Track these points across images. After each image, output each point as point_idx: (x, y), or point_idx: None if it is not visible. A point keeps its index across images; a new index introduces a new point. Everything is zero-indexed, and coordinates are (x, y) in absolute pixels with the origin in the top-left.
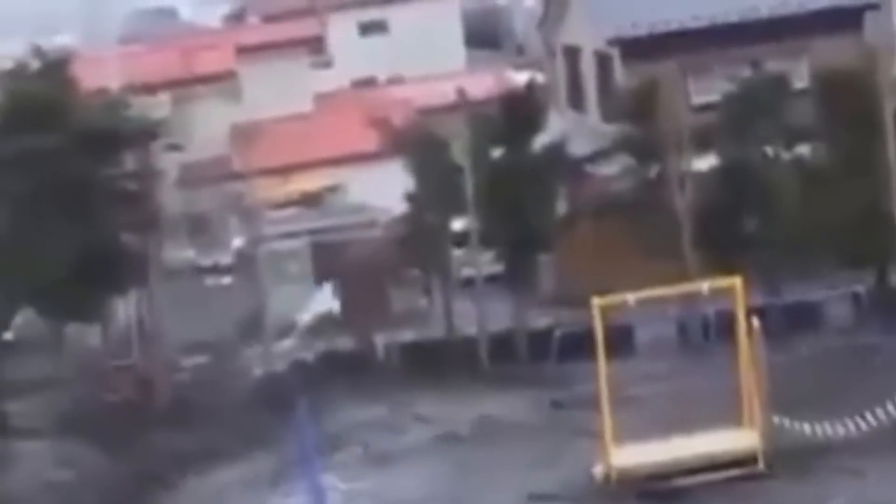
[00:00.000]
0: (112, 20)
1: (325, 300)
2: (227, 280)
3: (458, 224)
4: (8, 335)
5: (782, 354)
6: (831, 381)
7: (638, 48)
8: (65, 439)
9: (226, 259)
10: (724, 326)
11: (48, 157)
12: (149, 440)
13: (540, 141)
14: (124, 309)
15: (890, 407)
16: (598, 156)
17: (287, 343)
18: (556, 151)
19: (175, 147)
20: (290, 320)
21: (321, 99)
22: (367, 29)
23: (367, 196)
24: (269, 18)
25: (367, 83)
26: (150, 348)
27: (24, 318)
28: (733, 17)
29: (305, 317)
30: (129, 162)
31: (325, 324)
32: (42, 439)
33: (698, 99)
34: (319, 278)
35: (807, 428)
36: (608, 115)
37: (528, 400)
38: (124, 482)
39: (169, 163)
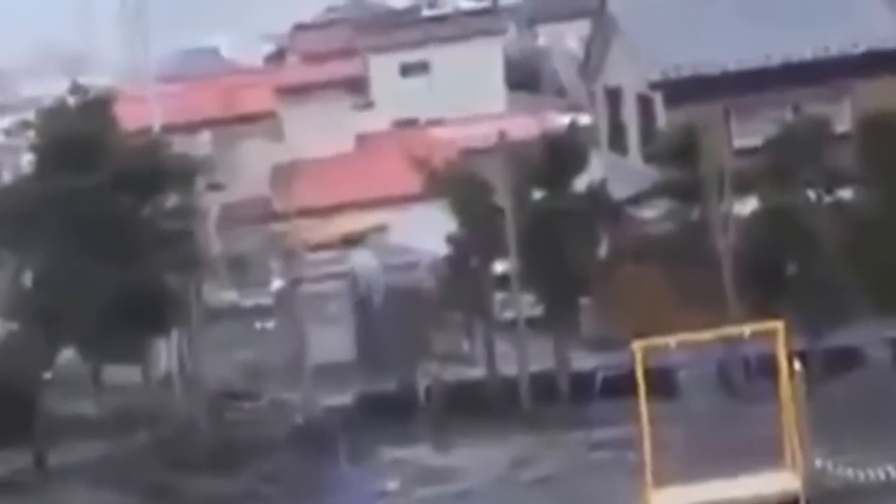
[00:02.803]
0: (153, 59)
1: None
2: (269, 322)
3: (499, 266)
4: (48, 375)
5: (823, 399)
6: (873, 426)
7: (680, 91)
8: (104, 481)
9: (267, 300)
10: (766, 370)
11: (89, 197)
12: (189, 484)
13: (581, 183)
14: (166, 350)
15: None
16: (639, 198)
17: None
18: (598, 194)
19: (216, 187)
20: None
21: (362, 140)
22: (408, 70)
23: (409, 237)
24: (311, 58)
25: (409, 124)
26: (191, 390)
27: (65, 359)
28: (776, 61)
29: None
30: (171, 201)
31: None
32: (81, 481)
33: (740, 142)
34: (360, 319)
35: (849, 472)
36: (650, 158)
37: (569, 442)
38: None
39: (210, 203)
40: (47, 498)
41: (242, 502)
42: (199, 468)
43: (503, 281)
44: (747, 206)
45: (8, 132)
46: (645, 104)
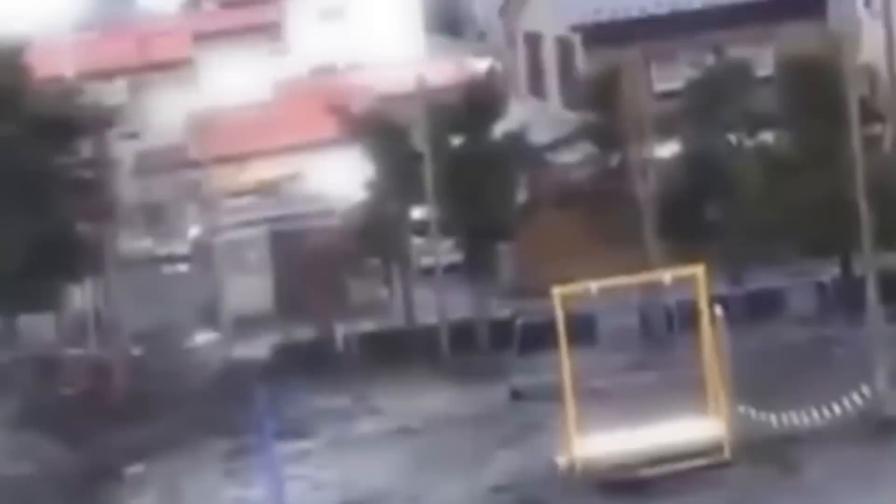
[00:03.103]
0: (67, 7)
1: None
2: (183, 268)
3: (417, 213)
4: None
5: (746, 344)
6: (795, 371)
7: (600, 35)
8: (21, 431)
9: (182, 248)
10: (687, 316)
11: (1, 146)
12: (106, 431)
13: (500, 129)
14: (80, 299)
15: (854, 396)
16: (559, 144)
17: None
18: (517, 139)
19: (131, 135)
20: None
21: (279, 86)
22: (326, 15)
23: (326, 184)
24: (227, 5)
25: (326, 70)
26: (106, 338)
27: None
28: (697, 4)
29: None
30: (85, 150)
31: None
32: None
33: (661, 86)
34: (277, 267)
35: (772, 418)
36: (570, 103)
37: (489, 390)
38: (81, 474)
39: (125, 151)
40: None
41: (160, 449)
42: (117, 416)
43: (421, 227)
44: (668, 150)
45: None
46: (565, 48)
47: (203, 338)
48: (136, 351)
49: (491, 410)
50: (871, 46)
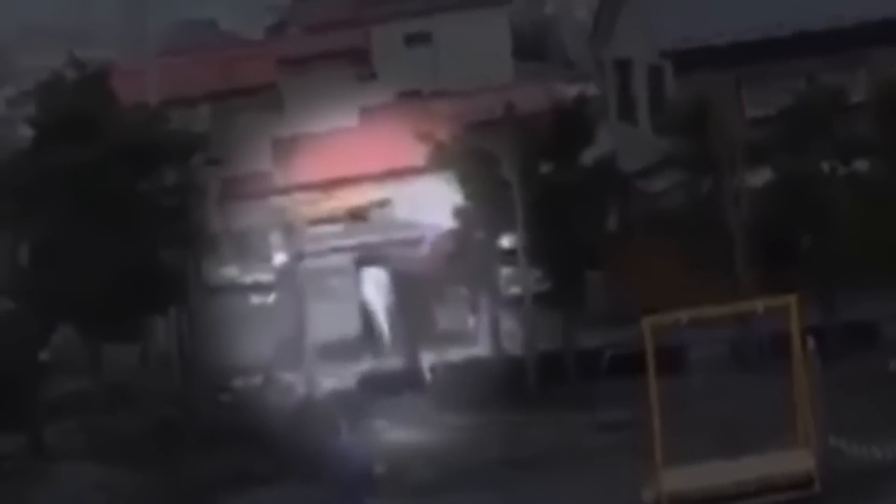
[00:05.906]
0: (151, 32)
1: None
2: (270, 298)
3: (506, 241)
4: (45, 355)
5: (838, 375)
6: (888, 403)
7: (691, 60)
8: (102, 462)
9: (267, 276)
10: (779, 346)
11: (86, 172)
12: (188, 463)
13: (590, 156)
14: (164, 328)
15: None
16: (649, 171)
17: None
18: (607, 166)
19: (215, 161)
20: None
21: (366, 112)
22: (412, 40)
23: (414, 212)
24: (312, 30)
25: (413, 96)
26: (190, 368)
27: (62, 337)
28: (789, 30)
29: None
30: (169, 176)
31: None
32: (79, 461)
33: (753, 112)
34: (363, 295)
35: (864, 450)
36: (660, 129)
37: (577, 421)
38: None
39: (209, 177)
40: (45, 478)
41: (238, 482)
42: (197, 449)
43: (510, 255)
44: (760, 177)
45: (11, 102)
46: (655, 74)
47: (288, 368)
48: (219, 382)
49: (578, 441)
50: None
